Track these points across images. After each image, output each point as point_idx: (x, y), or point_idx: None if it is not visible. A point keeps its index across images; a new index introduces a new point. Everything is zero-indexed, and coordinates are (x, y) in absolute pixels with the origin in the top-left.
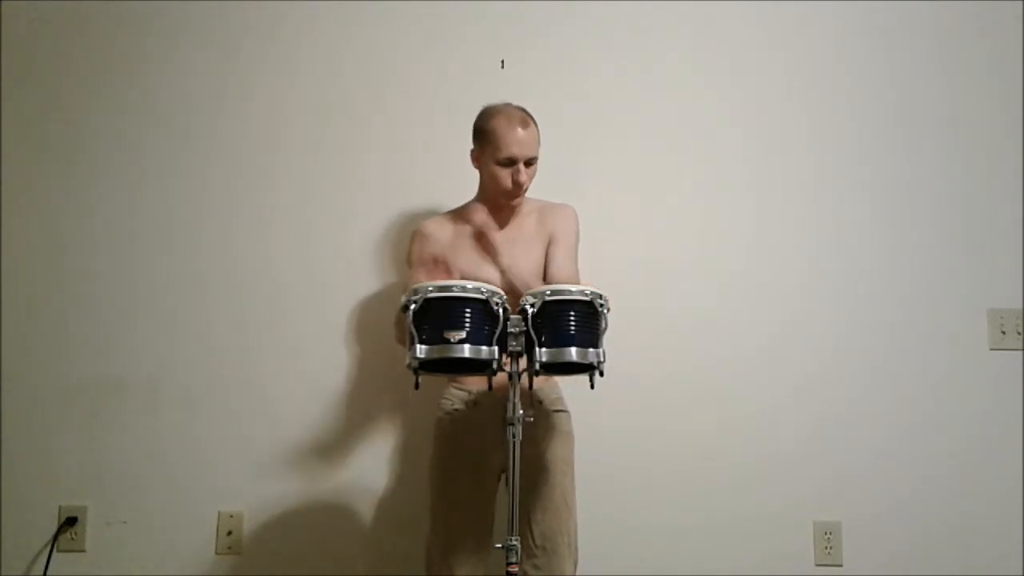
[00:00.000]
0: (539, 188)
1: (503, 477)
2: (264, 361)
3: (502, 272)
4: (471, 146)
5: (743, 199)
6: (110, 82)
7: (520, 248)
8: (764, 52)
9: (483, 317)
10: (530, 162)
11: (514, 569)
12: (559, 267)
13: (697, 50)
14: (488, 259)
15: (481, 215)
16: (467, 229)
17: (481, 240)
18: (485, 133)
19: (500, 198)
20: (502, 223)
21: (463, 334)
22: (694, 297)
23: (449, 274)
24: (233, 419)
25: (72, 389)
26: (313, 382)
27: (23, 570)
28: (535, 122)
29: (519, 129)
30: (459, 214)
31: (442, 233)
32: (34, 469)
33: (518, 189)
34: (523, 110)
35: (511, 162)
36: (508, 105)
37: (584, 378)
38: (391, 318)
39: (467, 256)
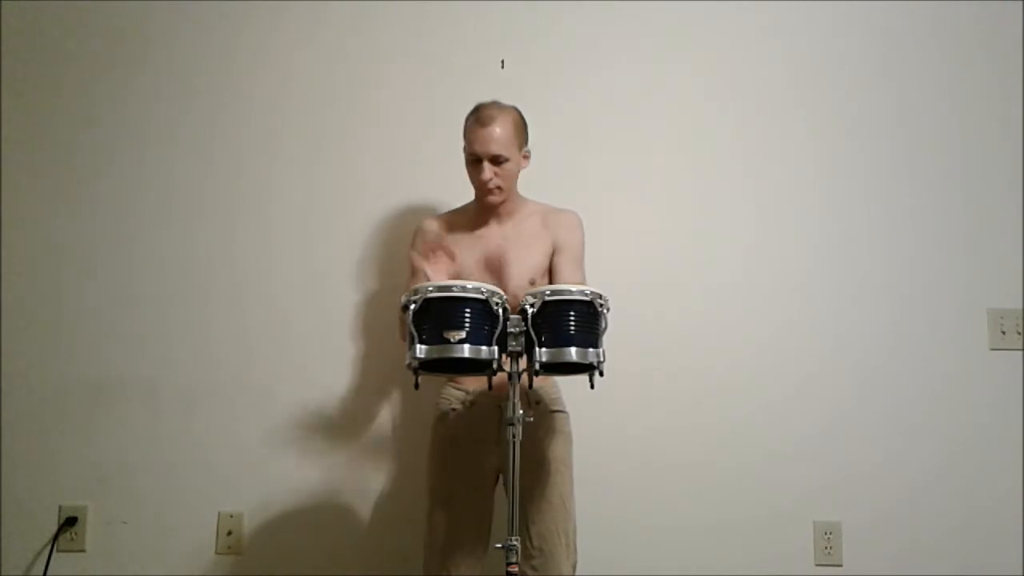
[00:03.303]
0: (538, 188)
1: (501, 477)
2: (264, 361)
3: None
4: None
5: (743, 199)
6: (110, 82)
7: (517, 246)
8: (764, 53)
9: (483, 317)
10: (497, 160)
11: (514, 569)
12: (566, 278)
13: (697, 51)
14: (481, 254)
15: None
16: (463, 226)
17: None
18: (464, 129)
19: (479, 196)
20: (498, 221)
21: (463, 334)
22: (694, 297)
23: (449, 256)
24: (233, 419)
25: (72, 389)
26: (313, 382)
27: (23, 570)
28: (517, 121)
29: (483, 126)
30: (458, 213)
31: (441, 229)
32: (34, 469)
33: (484, 186)
34: (507, 108)
35: (476, 159)
36: (491, 103)
37: (584, 378)
38: (391, 318)
39: (464, 254)
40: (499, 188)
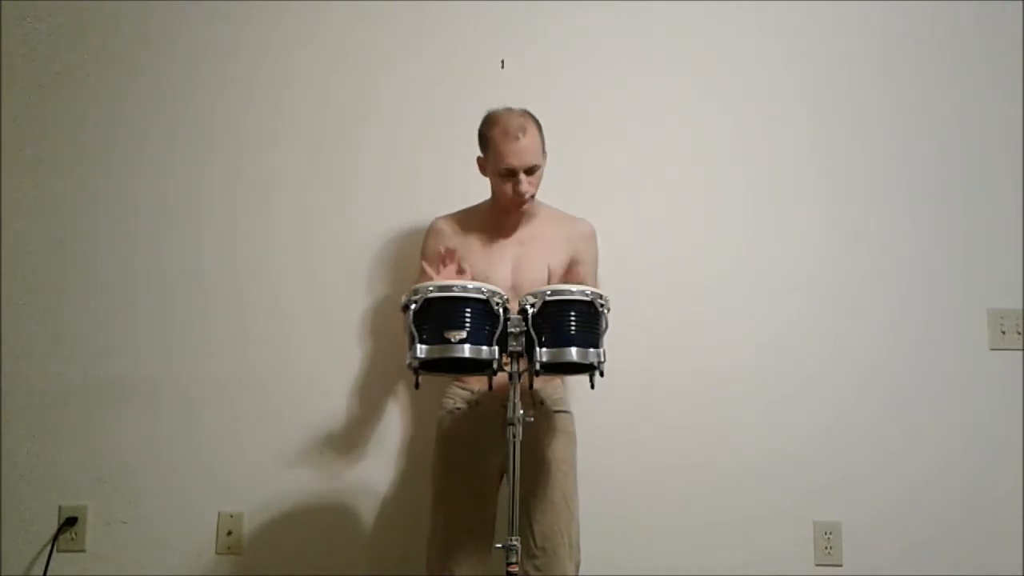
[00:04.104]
0: (538, 188)
1: (504, 477)
2: (264, 361)
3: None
4: (474, 148)
5: (743, 199)
6: (110, 82)
7: (533, 250)
8: (764, 52)
9: (483, 317)
10: (531, 170)
11: (514, 569)
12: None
13: (697, 50)
14: (498, 259)
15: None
16: (478, 228)
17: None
18: (487, 142)
19: (508, 206)
20: (514, 226)
21: (463, 334)
22: (694, 297)
23: (460, 266)
24: (233, 419)
25: (72, 389)
26: (313, 382)
27: (23, 570)
28: (538, 125)
29: (516, 139)
30: (471, 213)
31: (454, 230)
32: (34, 469)
33: (521, 198)
34: (526, 114)
35: (511, 173)
36: (509, 112)
37: (584, 378)
38: (392, 317)
39: (477, 256)
40: (531, 196)
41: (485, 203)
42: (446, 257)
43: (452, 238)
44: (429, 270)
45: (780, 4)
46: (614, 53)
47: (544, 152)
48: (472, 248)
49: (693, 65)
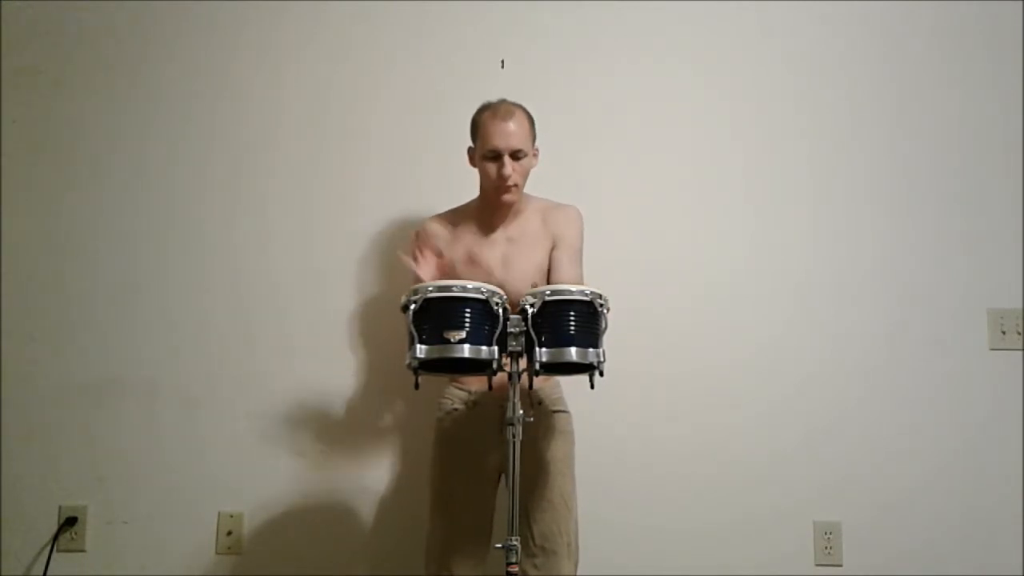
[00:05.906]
0: (538, 188)
1: (503, 477)
2: (264, 361)
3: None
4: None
5: (743, 199)
6: (110, 82)
7: (521, 247)
8: (763, 52)
9: (483, 317)
10: (517, 155)
11: (514, 569)
12: (563, 272)
13: (696, 51)
14: (486, 256)
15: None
16: (466, 225)
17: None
18: (474, 127)
19: (492, 194)
20: (500, 221)
21: (463, 334)
22: (694, 297)
23: (436, 254)
24: (233, 419)
25: (72, 389)
26: (313, 382)
27: (23, 570)
28: (529, 117)
29: (503, 121)
30: (460, 211)
31: (443, 231)
32: (34, 469)
33: (503, 183)
34: (518, 105)
35: (496, 155)
36: (501, 100)
37: (584, 378)
38: (392, 318)
39: (465, 253)
40: (516, 186)
41: (474, 200)
42: (421, 245)
43: (441, 238)
44: (407, 261)
45: (780, 4)
46: (614, 53)
47: (534, 147)
48: (461, 245)
49: (693, 65)
